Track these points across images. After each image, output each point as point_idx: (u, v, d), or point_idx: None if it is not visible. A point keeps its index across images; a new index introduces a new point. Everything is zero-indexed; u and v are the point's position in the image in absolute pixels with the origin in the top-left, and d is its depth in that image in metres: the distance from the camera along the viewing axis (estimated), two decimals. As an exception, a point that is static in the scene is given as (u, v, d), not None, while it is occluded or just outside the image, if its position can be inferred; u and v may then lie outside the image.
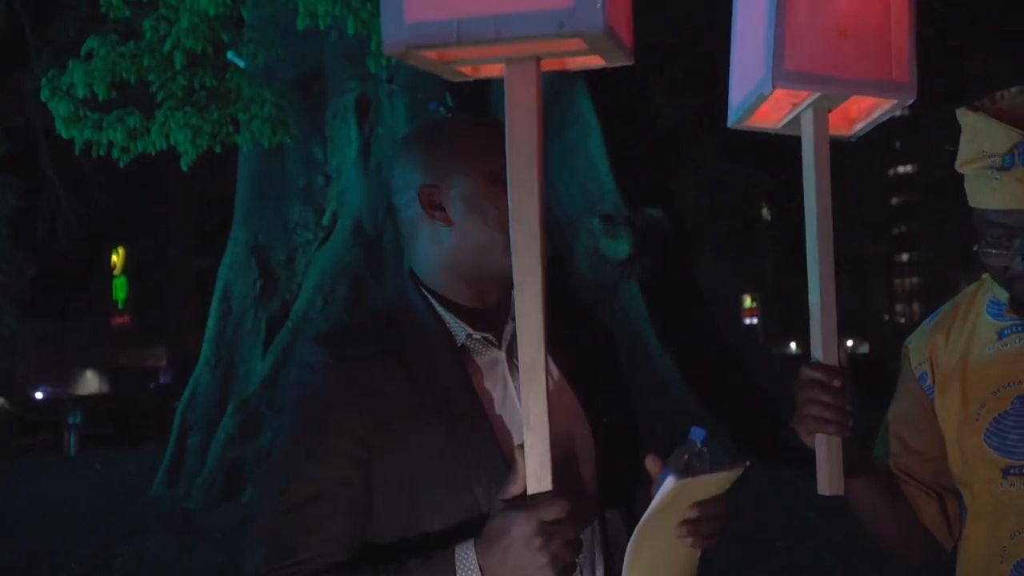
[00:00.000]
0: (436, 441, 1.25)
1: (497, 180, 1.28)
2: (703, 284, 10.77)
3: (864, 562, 5.40)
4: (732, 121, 1.46)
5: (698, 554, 1.28)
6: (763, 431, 8.12)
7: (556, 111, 9.12)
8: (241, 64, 7.72)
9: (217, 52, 7.29)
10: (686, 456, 1.25)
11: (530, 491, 1.11)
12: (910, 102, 1.35)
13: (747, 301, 43.53)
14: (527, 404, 1.10)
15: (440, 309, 1.33)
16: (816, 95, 1.33)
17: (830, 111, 1.39)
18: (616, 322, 8.33)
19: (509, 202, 1.12)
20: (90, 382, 39.80)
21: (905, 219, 52.83)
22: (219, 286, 9.60)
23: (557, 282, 8.68)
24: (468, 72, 1.20)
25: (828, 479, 1.34)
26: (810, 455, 1.37)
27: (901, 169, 52.58)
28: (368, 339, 1.31)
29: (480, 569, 1.13)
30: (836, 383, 1.32)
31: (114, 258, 43.47)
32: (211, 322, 9.49)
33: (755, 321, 42.54)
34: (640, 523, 1.19)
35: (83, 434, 16.10)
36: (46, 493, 9.28)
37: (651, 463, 1.27)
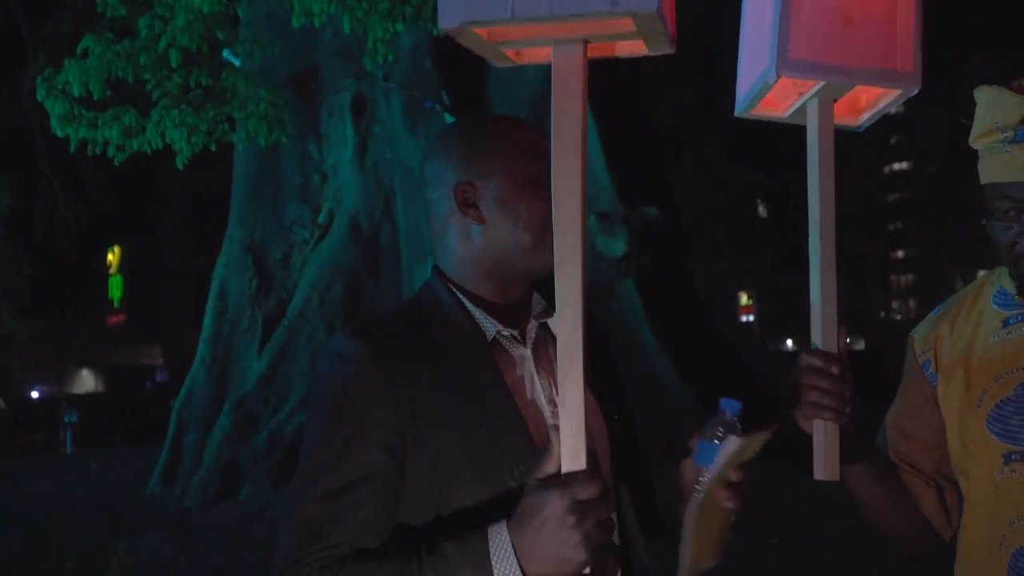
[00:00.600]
0: (470, 434, 1.26)
1: (532, 183, 1.32)
2: (700, 282, 10.77)
3: (862, 558, 5.41)
4: (739, 110, 1.46)
5: (733, 516, 1.33)
6: (760, 428, 8.12)
7: (550, 108, 9.09)
8: (237, 62, 7.71)
9: (213, 50, 7.28)
10: (719, 426, 1.30)
11: (564, 470, 1.12)
12: (915, 92, 1.35)
13: (744, 299, 43.58)
14: (563, 383, 1.12)
15: (469, 305, 1.35)
16: (821, 84, 1.34)
17: (836, 100, 1.39)
18: (612, 320, 8.33)
19: (552, 184, 1.14)
20: (86, 381, 39.77)
21: (901, 216, 52.90)
22: (215, 285, 9.59)
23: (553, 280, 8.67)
24: (512, 56, 1.22)
25: (824, 464, 1.34)
26: (809, 450, 1.37)
27: (896, 166, 52.66)
28: (402, 332, 1.32)
29: (514, 547, 1.13)
30: (835, 370, 1.33)
31: (110, 257, 43.41)
32: (207, 321, 9.48)
33: (751, 318, 42.59)
34: (703, 489, 1.27)
35: (79, 433, 16.09)
36: (42, 492, 9.27)
37: (692, 439, 1.34)
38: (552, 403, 1.31)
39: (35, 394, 32.27)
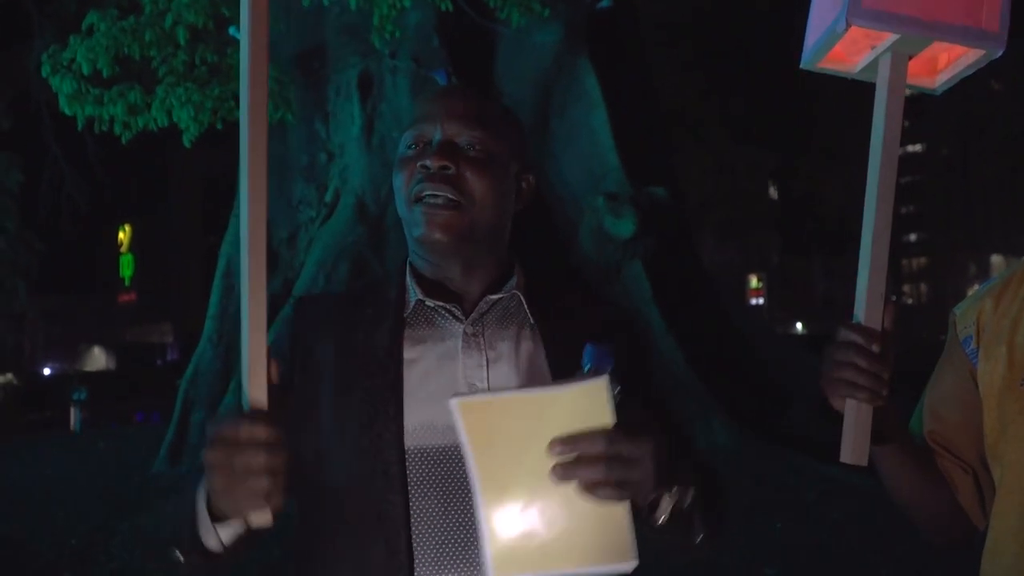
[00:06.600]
0: (342, 392, 1.30)
1: (403, 158, 1.37)
2: (708, 264, 10.72)
3: (864, 543, 5.39)
4: (805, 61, 1.37)
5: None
6: (766, 411, 8.09)
7: (559, 88, 9.03)
8: (243, 39, 7.65)
9: (219, 27, 7.22)
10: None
11: (245, 399, 1.05)
12: (999, 54, 1.24)
13: (753, 281, 43.49)
14: (248, 306, 1.09)
15: (408, 277, 1.40)
16: (895, 37, 1.24)
17: (911, 57, 1.29)
18: (619, 301, 8.29)
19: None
20: (98, 359, 39.98)
21: (913, 199, 52.61)
22: (221, 263, 9.58)
23: (561, 260, 8.63)
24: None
25: (851, 447, 1.25)
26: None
27: (909, 148, 52.33)
28: (336, 299, 1.44)
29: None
30: (875, 347, 1.24)
31: (121, 235, 43.58)
32: (213, 299, 9.47)
33: (762, 301, 42.51)
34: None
35: (88, 410, 16.17)
36: (48, 469, 9.30)
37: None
38: (469, 383, 1.31)
39: (47, 371, 32.47)
